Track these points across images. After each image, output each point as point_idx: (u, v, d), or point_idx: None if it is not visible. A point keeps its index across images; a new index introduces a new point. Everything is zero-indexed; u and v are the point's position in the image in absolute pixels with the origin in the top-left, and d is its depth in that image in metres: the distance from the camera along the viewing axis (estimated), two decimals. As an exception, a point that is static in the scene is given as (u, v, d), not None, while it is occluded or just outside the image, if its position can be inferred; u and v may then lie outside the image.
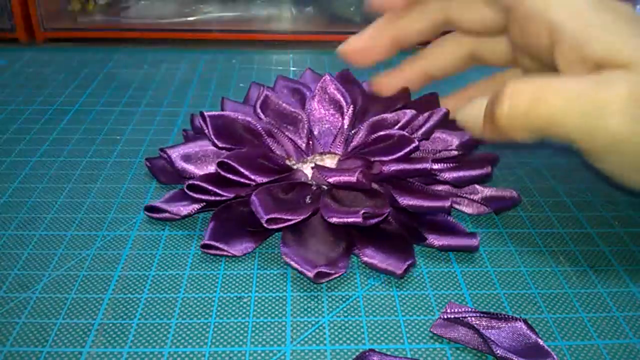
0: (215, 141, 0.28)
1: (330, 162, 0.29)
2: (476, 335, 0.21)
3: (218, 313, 0.22)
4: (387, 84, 0.32)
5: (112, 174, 0.31)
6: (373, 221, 0.24)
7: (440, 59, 0.30)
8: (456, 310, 0.21)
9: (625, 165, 0.22)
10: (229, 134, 0.29)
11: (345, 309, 0.23)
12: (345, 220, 0.24)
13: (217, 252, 0.25)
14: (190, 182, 0.26)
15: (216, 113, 0.29)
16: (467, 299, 0.23)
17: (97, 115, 0.38)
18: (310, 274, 0.23)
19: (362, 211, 0.24)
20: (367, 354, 0.20)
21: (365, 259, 0.24)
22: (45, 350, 0.20)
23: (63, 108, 0.39)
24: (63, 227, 0.27)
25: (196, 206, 0.26)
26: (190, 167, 0.28)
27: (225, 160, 0.26)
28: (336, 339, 0.21)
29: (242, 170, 0.26)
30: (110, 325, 0.22)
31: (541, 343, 0.20)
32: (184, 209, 0.26)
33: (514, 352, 0.20)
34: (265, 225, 0.24)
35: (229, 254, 0.25)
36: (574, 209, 0.29)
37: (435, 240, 0.25)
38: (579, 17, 0.23)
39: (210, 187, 0.26)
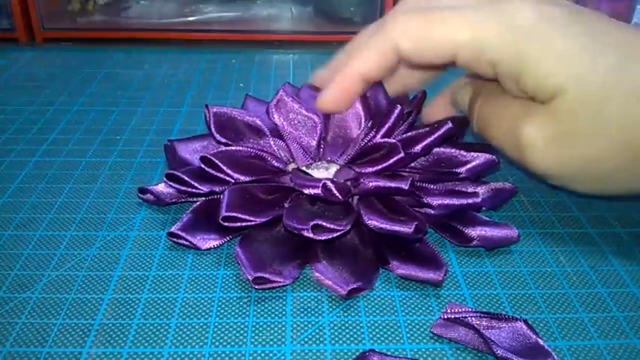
0: (216, 135, 0.28)
1: (326, 172, 0.29)
2: (476, 335, 0.21)
3: (218, 313, 0.22)
4: (327, 100, 0.29)
5: (112, 174, 0.31)
6: (420, 235, 0.24)
7: (377, 64, 0.28)
8: (456, 310, 0.21)
9: (569, 184, 0.24)
10: (231, 130, 0.29)
11: (345, 309, 0.23)
12: (394, 228, 0.23)
13: (182, 241, 0.25)
14: (169, 171, 0.26)
15: (220, 109, 0.29)
16: (467, 299, 0.23)
17: (96, 115, 0.38)
18: (344, 292, 0.22)
19: (415, 223, 0.23)
20: (367, 354, 0.20)
21: (401, 271, 0.24)
22: (45, 350, 0.20)
23: (63, 108, 0.39)
24: (63, 227, 0.27)
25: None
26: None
27: (208, 155, 0.26)
28: (336, 339, 0.21)
29: (223, 167, 0.26)
30: (110, 325, 0.22)
31: (541, 343, 0.20)
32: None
33: (514, 352, 0.20)
34: (221, 221, 0.24)
35: (193, 246, 0.25)
36: (574, 209, 0.29)
37: (473, 231, 0.25)
38: (513, 46, 0.23)
39: (187, 179, 0.26)
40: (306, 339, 0.21)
